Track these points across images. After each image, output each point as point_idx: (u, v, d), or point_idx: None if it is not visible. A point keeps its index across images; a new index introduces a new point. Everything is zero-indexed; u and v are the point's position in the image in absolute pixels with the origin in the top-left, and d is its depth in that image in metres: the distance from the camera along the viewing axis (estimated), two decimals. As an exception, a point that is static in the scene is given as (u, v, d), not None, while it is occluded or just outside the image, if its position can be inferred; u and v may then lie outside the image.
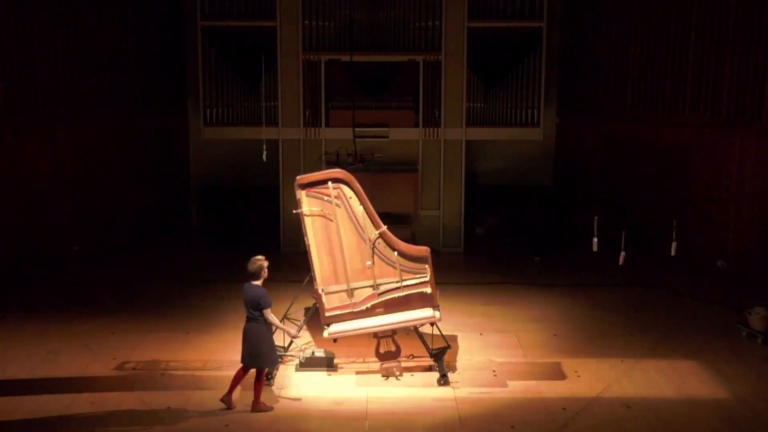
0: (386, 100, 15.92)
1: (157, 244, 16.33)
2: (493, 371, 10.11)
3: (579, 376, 9.95)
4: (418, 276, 9.77)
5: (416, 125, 15.78)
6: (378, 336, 9.94)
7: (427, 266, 9.77)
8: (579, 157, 17.17)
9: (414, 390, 9.56)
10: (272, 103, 15.76)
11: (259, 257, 9.06)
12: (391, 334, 9.96)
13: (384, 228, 9.70)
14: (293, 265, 13.99)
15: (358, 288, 9.73)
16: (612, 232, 12.80)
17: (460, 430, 8.65)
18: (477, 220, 17.19)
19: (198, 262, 15.23)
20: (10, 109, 13.50)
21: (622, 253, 10.00)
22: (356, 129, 13.29)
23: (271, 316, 8.91)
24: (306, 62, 15.54)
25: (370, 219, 9.69)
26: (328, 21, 15.43)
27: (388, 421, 8.79)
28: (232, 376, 9.14)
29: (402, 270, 9.73)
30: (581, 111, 17.03)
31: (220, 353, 10.56)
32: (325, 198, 9.65)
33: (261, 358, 8.98)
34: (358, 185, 9.68)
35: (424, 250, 9.79)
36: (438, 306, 9.92)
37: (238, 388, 9.16)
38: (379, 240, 9.69)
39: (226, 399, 9.04)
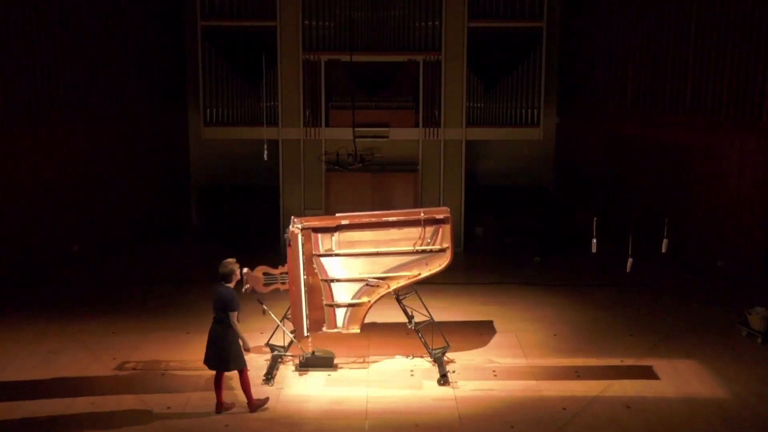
0: (386, 100, 15.92)
1: (157, 244, 16.32)
2: (493, 371, 10.11)
3: (579, 376, 9.95)
4: (339, 319, 9.92)
5: (416, 125, 15.79)
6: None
7: (344, 330, 9.91)
8: (579, 157, 17.17)
9: (414, 390, 9.56)
10: (272, 103, 15.76)
11: (231, 260, 9.07)
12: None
13: (393, 295, 10.07)
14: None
15: (332, 262, 9.90)
16: (612, 232, 12.84)
17: (460, 430, 8.65)
18: (477, 221, 17.17)
19: (198, 262, 15.23)
20: (10, 109, 13.50)
21: (630, 260, 10.01)
22: (356, 129, 13.30)
23: (234, 321, 8.81)
24: (306, 62, 15.54)
25: (403, 283, 9.96)
26: (328, 21, 15.43)
27: (388, 421, 8.79)
28: (218, 380, 9.02)
29: (346, 305, 9.88)
30: (581, 111, 17.03)
31: (220, 353, 10.55)
32: (435, 243, 9.98)
33: (230, 363, 8.88)
34: (437, 273, 10.05)
35: (358, 330, 9.90)
36: (309, 336, 9.92)
37: (223, 388, 9.10)
38: (378, 289, 9.87)
39: (221, 407, 8.97)
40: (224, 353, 8.82)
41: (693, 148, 14.29)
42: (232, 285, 8.97)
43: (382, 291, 9.91)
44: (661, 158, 14.99)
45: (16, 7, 13.52)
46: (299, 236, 9.70)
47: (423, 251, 9.98)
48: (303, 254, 9.72)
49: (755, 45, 12.91)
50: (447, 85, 15.60)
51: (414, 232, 9.99)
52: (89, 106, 15.12)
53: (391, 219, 10.01)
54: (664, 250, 10.18)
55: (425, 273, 9.98)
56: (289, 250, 9.71)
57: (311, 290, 9.83)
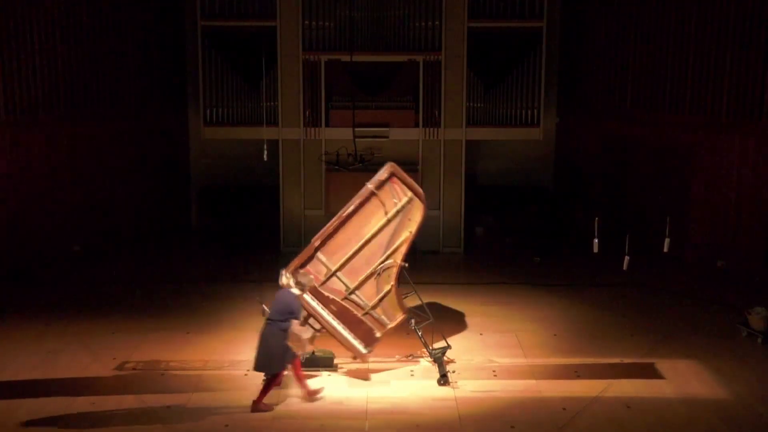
0: (386, 100, 15.90)
1: (157, 244, 16.32)
2: (493, 371, 10.11)
3: (579, 376, 9.95)
4: (383, 317, 9.97)
5: (416, 125, 15.78)
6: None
7: (393, 323, 9.97)
8: (579, 157, 17.16)
9: (414, 390, 9.56)
10: (272, 103, 15.76)
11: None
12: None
13: (405, 264, 9.93)
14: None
15: (338, 278, 9.97)
16: (612, 232, 12.81)
17: (460, 430, 8.65)
18: (477, 221, 17.17)
19: (198, 262, 15.22)
20: (10, 108, 13.50)
21: (626, 258, 10.01)
22: (356, 129, 13.29)
23: (297, 328, 9.00)
24: (306, 62, 15.54)
25: (404, 249, 9.91)
26: (328, 21, 15.42)
27: (388, 421, 8.79)
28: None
29: (377, 303, 9.93)
30: (581, 111, 17.02)
31: (220, 353, 10.57)
32: (399, 198, 9.95)
33: (279, 364, 9.03)
34: (424, 217, 9.97)
35: (404, 313, 9.96)
36: (371, 350, 9.99)
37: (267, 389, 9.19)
38: (391, 269, 9.84)
39: (262, 407, 9.05)
40: (276, 353, 8.94)
41: (693, 148, 14.29)
42: (299, 293, 9.19)
43: (395, 268, 9.93)
44: (661, 158, 14.98)
45: (16, 7, 13.52)
46: (293, 284, 9.63)
47: (396, 213, 9.99)
48: (309, 294, 9.81)
49: (755, 45, 12.91)
50: (447, 85, 15.60)
51: (376, 204, 10.03)
52: (89, 106, 15.12)
53: (350, 209, 10.04)
54: (666, 250, 10.18)
55: (414, 227, 9.99)
56: (300, 298, 9.67)
57: (341, 314, 9.92)
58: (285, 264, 9.99)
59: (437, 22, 15.44)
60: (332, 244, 10.03)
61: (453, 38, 15.46)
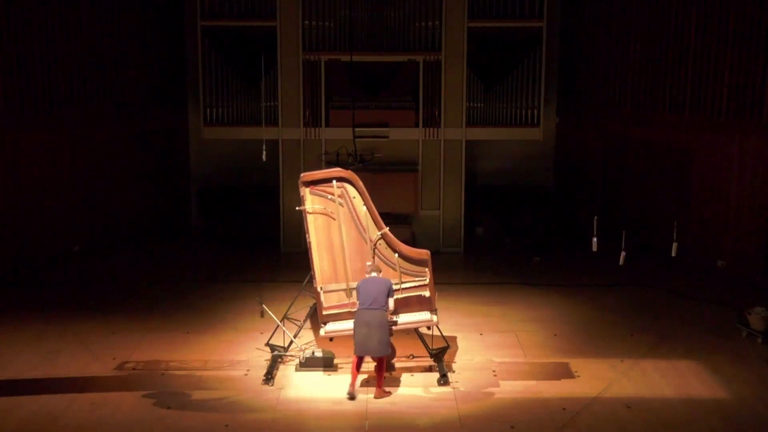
0: (386, 100, 15.92)
1: (157, 244, 16.32)
2: (493, 371, 10.10)
3: (579, 376, 9.95)
4: (417, 279, 9.81)
5: (416, 125, 15.79)
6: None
7: (427, 269, 9.81)
8: (579, 157, 17.17)
9: (414, 390, 9.56)
10: (272, 103, 15.77)
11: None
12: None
13: (386, 229, 9.77)
14: (293, 265, 14.01)
15: (355, 289, 9.72)
16: (612, 232, 12.82)
17: (460, 430, 8.65)
18: (477, 221, 17.18)
19: (198, 262, 15.22)
20: (10, 108, 13.51)
21: (623, 253, 10.00)
22: (356, 129, 13.29)
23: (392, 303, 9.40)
24: (306, 62, 15.54)
25: (373, 219, 9.76)
26: (328, 21, 15.43)
27: (388, 421, 8.79)
28: (352, 369, 9.32)
29: (402, 272, 9.76)
30: (581, 111, 17.03)
31: (220, 353, 10.57)
32: (329, 196, 9.74)
33: (388, 345, 9.24)
34: (361, 185, 9.75)
35: (424, 253, 9.83)
36: (436, 310, 9.93)
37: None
38: (381, 241, 9.73)
39: (384, 394, 9.32)
40: (385, 336, 9.17)
41: (693, 148, 14.29)
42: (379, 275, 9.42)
43: (386, 239, 9.73)
44: (661, 158, 14.99)
45: (16, 8, 13.52)
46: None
47: (341, 206, 9.74)
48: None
49: (755, 45, 12.91)
50: (447, 85, 15.60)
51: (322, 218, 9.79)
52: (89, 106, 15.13)
53: (307, 220, 9.77)
54: (674, 254, 10.15)
55: (360, 200, 9.70)
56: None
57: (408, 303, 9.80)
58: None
59: (437, 22, 15.45)
60: (324, 275, 9.79)
61: (453, 38, 15.46)
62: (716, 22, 13.62)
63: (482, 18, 15.64)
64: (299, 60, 15.52)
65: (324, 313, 9.75)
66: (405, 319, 9.77)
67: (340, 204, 9.73)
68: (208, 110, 15.84)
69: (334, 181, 9.68)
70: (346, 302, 9.75)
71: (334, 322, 9.73)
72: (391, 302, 9.35)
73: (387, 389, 9.43)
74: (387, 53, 15.64)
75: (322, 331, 9.71)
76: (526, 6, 15.65)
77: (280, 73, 15.57)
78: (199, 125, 16.30)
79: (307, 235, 9.76)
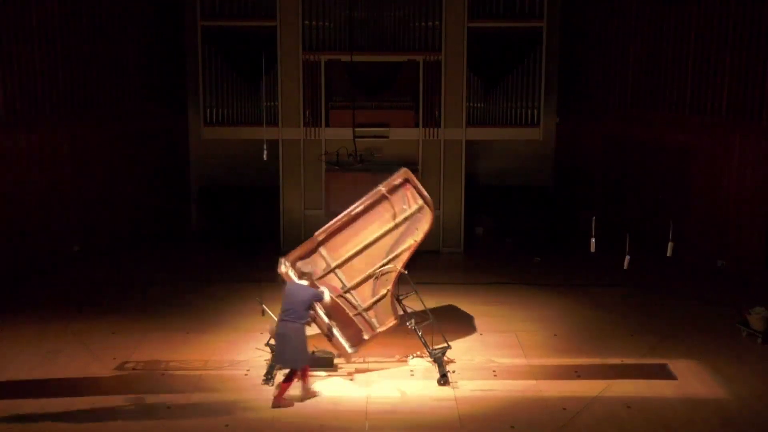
0: (386, 100, 15.89)
1: (157, 245, 16.32)
2: (493, 371, 10.11)
3: (579, 376, 9.95)
4: (374, 321, 9.95)
5: (416, 125, 15.78)
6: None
7: (383, 328, 9.94)
8: (579, 157, 17.16)
9: (414, 390, 9.56)
10: (272, 103, 15.76)
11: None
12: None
13: (404, 272, 9.90)
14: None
15: (336, 275, 9.94)
16: (612, 232, 12.83)
17: (460, 429, 8.65)
18: (477, 221, 17.17)
19: (197, 263, 15.22)
20: (9, 109, 13.50)
21: (627, 258, 10.01)
22: (356, 129, 13.29)
23: (327, 301, 9.34)
24: (306, 62, 15.54)
25: (407, 257, 9.86)
26: (328, 21, 15.42)
27: (388, 421, 8.80)
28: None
29: (371, 306, 9.91)
30: (581, 111, 17.02)
31: (220, 353, 10.57)
32: (410, 204, 9.92)
33: (302, 360, 9.12)
34: (430, 228, 9.94)
35: (395, 320, 9.94)
36: (356, 350, 9.93)
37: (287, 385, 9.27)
38: (389, 274, 9.82)
39: (282, 403, 9.13)
40: (299, 349, 9.04)
41: (693, 148, 14.29)
42: (307, 283, 9.26)
43: (394, 274, 9.90)
44: (661, 158, 14.99)
45: (16, 8, 13.51)
46: (291, 273, 9.65)
47: (404, 219, 9.95)
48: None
49: (755, 45, 12.91)
50: (447, 85, 15.59)
51: (385, 208, 9.98)
52: (89, 106, 15.11)
53: (359, 209, 9.99)
54: (669, 254, 10.16)
55: (420, 236, 9.93)
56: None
57: (333, 312, 9.83)
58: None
59: (437, 22, 15.44)
60: (336, 240, 9.98)
61: (453, 38, 15.45)
62: (716, 22, 13.62)
63: (482, 18, 15.62)
64: (299, 60, 15.50)
65: (299, 259, 9.88)
66: (331, 329, 9.77)
67: (406, 218, 9.92)
68: (208, 110, 15.83)
69: (422, 201, 9.91)
70: (317, 270, 9.87)
71: (292, 265, 9.83)
72: (327, 300, 9.28)
73: (287, 399, 9.18)
74: (387, 53, 15.63)
75: (282, 265, 9.71)
76: (526, 6, 15.64)
77: (280, 73, 15.56)
78: (199, 125, 16.28)
79: (361, 203, 9.96)
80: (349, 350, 9.86)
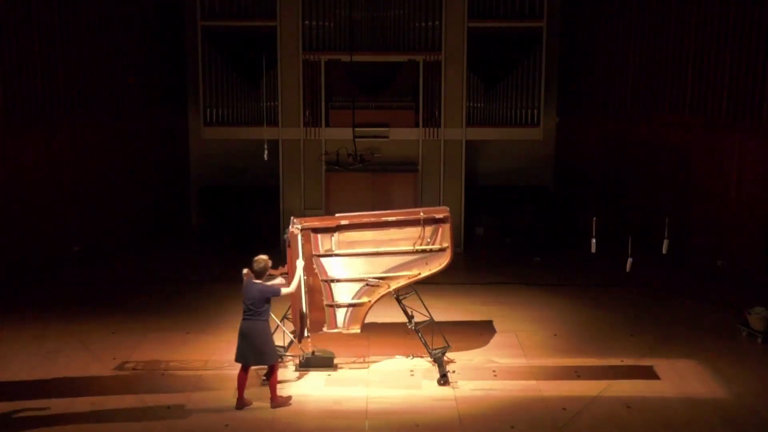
0: (386, 100, 15.92)
1: (157, 245, 16.32)
2: (493, 371, 10.11)
3: (579, 376, 9.95)
4: (339, 319, 9.89)
5: (416, 125, 15.79)
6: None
7: (345, 330, 9.92)
8: (579, 157, 17.17)
9: (414, 390, 9.56)
10: (272, 103, 15.77)
11: (263, 257, 9.13)
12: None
13: (393, 295, 10.02)
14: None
15: (332, 262, 9.89)
16: (612, 232, 12.84)
17: (460, 429, 8.65)
18: (477, 221, 17.18)
19: (198, 263, 15.22)
20: (9, 109, 13.50)
21: (629, 260, 10.01)
22: (356, 129, 13.30)
23: (292, 286, 9.23)
24: (306, 62, 15.54)
25: (403, 283, 9.94)
26: (328, 21, 15.43)
27: (388, 421, 8.79)
28: (236, 378, 9.10)
29: (346, 306, 9.88)
30: (581, 111, 17.03)
31: (220, 353, 10.56)
32: (435, 242, 9.98)
33: (267, 356, 9.02)
34: (439, 272, 10.06)
35: (359, 330, 9.90)
36: (309, 337, 9.85)
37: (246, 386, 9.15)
38: (378, 288, 9.85)
39: (240, 403, 9.04)
40: (260, 347, 8.92)
41: (693, 148, 14.29)
42: (261, 281, 9.08)
43: (383, 291, 9.90)
44: (661, 158, 14.99)
45: (16, 8, 13.52)
46: (299, 237, 9.69)
47: (423, 251, 9.97)
48: (303, 255, 9.71)
49: (755, 45, 12.91)
50: (447, 85, 15.60)
51: (414, 231, 9.98)
52: (89, 106, 15.12)
53: (390, 219, 10.01)
54: (664, 251, 10.18)
55: (425, 272, 9.98)
56: (288, 251, 9.70)
57: (311, 291, 9.82)
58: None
59: (437, 22, 15.45)
60: (353, 233, 9.95)
61: (453, 38, 15.46)
62: (716, 22, 13.63)
63: (482, 18, 15.64)
64: (299, 60, 15.52)
65: (312, 231, 9.92)
66: (303, 304, 9.71)
67: (424, 250, 10.00)
68: (208, 110, 15.85)
69: (447, 246, 10.03)
70: (319, 246, 9.87)
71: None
72: (285, 291, 9.14)
73: (283, 396, 9.18)
74: (387, 53, 15.64)
75: (293, 227, 9.70)
76: (526, 6, 15.65)
77: (280, 73, 15.57)
78: (199, 125, 16.30)
79: (397, 212, 10.21)
80: (305, 334, 9.81)
